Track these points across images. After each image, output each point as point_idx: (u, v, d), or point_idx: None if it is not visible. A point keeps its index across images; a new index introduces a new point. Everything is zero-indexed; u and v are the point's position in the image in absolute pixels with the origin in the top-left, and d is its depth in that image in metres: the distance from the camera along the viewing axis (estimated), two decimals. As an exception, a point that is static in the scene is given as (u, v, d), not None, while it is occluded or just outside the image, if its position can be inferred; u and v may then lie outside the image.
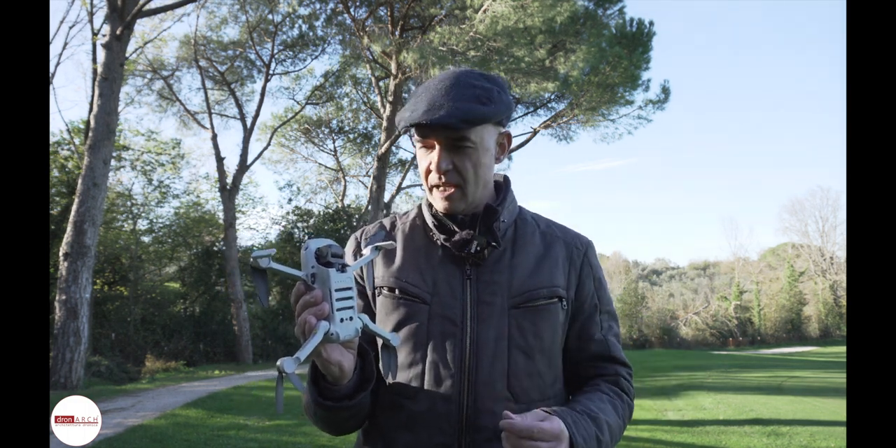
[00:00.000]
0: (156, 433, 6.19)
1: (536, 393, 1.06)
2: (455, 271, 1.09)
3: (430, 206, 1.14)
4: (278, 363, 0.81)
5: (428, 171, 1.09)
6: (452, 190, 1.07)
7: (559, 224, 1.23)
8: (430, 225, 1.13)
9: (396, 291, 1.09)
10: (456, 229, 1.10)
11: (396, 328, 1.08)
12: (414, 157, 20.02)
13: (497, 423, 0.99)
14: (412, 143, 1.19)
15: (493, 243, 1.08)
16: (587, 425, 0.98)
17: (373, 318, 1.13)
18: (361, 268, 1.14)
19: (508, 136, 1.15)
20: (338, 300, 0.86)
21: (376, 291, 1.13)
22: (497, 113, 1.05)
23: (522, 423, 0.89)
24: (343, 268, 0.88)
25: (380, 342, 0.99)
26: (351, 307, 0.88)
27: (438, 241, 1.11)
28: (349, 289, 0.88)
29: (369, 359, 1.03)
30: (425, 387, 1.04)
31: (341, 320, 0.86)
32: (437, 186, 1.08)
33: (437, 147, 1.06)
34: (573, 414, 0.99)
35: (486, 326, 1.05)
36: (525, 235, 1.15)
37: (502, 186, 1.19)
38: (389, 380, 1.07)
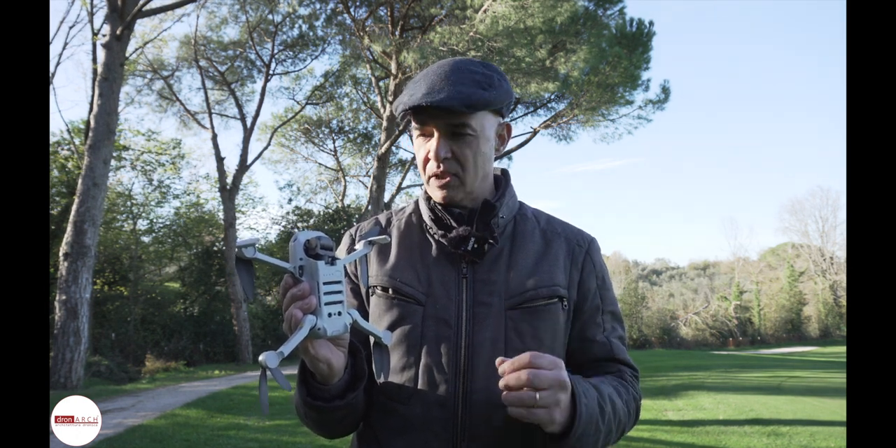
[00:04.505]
0: (156, 433, 6.19)
1: None
2: (450, 270, 1.05)
3: (428, 199, 1.09)
4: (261, 358, 0.77)
5: (426, 161, 1.05)
6: (450, 178, 1.03)
7: (561, 220, 1.16)
8: (427, 220, 1.09)
9: (390, 291, 1.05)
10: (453, 224, 1.05)
11: (390, 329, 1.03)
12: (414, 158, 20.03)
13: (493, 429, 0.97)
14: (409, 132, 1.16)
15: (491, 241, 1.03)
16: (586, 386, 0.93)
17: (366, 317, 1.08)
18: (355, 265, 1.11)
19: (508, 128, 1.11)
20: (326, 294, 0.82)
21: (370, 290, 1.08)
22: (498, 99, 1.02)
23: (518, 356, 0.86)
24: (332, 261, 0.83)
25: (372, 340, 0.95)
26: (340, 302, 0.84)
27: (435, 236, 1.07)
28: (338, 282, 0.84)
29: (361, 357, 0.99)
30: (419, 390, 1.00)
31: (329, 315, 0.83)
32: (435, 175, 1.04)
33: (436, 134, 1.01)
34: (571, 376, 0.93)
35: (481, 328, 1.01)
36: (525, 232, 1.10)
37: (501, 181, 1.14)
38: (381, 380, 1.02)
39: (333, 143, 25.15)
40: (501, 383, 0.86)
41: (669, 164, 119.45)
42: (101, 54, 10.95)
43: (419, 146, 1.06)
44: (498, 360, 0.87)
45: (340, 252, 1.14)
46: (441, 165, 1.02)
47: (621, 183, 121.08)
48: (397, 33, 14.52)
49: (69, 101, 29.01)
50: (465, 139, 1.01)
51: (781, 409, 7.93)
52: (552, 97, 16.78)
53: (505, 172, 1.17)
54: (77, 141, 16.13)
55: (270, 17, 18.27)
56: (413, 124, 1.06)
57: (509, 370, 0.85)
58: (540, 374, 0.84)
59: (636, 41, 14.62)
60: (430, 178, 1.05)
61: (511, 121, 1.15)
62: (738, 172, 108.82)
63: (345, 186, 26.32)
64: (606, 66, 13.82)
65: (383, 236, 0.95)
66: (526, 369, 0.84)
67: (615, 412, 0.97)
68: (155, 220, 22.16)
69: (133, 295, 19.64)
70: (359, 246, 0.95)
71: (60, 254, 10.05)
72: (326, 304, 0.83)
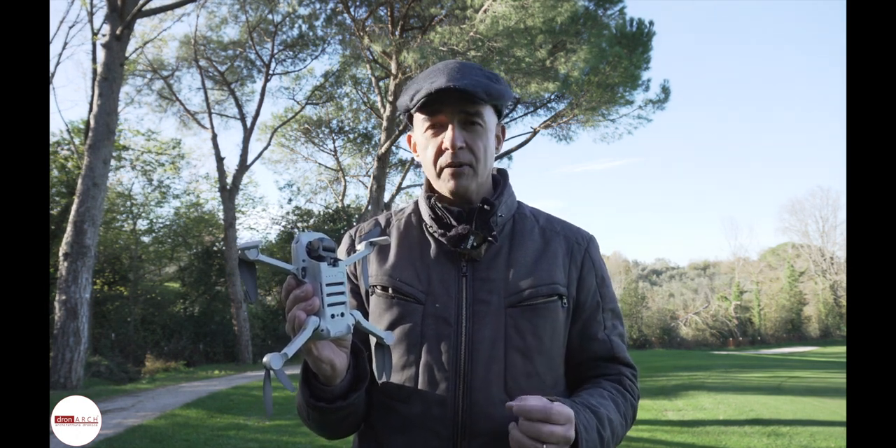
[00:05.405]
0: (156, 433, 6.19)
1: None
2: (450, 269, 1.05)
3: (428, 198, 1.09)
4: (265, 359, 0.77)
5: (438, 152, 1.05)
6: (464, 167, 1.04)
7: (560, 219, 1.18)
8: (427, 218, 1.09)
9: (390, 290, 1.05)
10: (453, 223, 1.06)
11: (390, 328, 1.03)
12: (413, 158, 19.86)
13: (493, 427, 0.97)
14: (410, 132, 1.16)
15: (490, 238, 1.04)
16: (588, 416, 0.95)
17: (366, 317, 1.08)
18: (355, 265, 1.12)
19: (503, 129, 1.15)
20: (329, 295, 0.83)
21: (370, 290, 1.09)
22: (506, 94, 1.06)
23: (538, 404, 0.86)
24: (335, 262, 0.84)
25: (373, 341, 0.95)
26: (342, 303, 0.85)
27: (435, 235, 1.08)
28: (341, 284, 0.85)
29: (363, 357, 1.00)
30: (419, 389, 1.00)
31: (332, 316, 0.83)
32: (450, 164, 1.04)
33: (451, 125, 1.03)
34: (573, 404, 0.95)
35: (481, 326, 1.01)
36: (524, 231, 1.11)
37: (499, 180, 1.15)
38: (383, 379, 1.02)
39: (333, 143, 25.16)
40: (513, 426, 0.88)
41: (669, 164, 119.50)
42: (100, 54, 10.95)
43: (428, 140, 1.07)
44: (507, 404, 0.89)
45: (340, 253, 1.15)
46: (457, 155, 1.03)
47: (621, 183, 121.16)
48: (397, 33, 14.52)
49: (69, 101, 29.12)
50: (477, 130, 1.05)
51: (781, 409, 7.92)
52: (552, 97, 16.76)
53: (503, 172, 1.18)
54: (77, 141, 16.13)
55: (270, 16, 18.27)
56: (422, 117, 1.07)
57: (520, 413, 0.87)
58: (555, 432, 0.86)
59: (636, 41, 14.62)
60: (442, 170, 1.06)
61: (511, 121, 1.16)
62: (738, 172, 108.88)
63: (345, 186, 26.32)
64: (606, 66, 13.83)
65: (384, 237, 0.96)
66: (543, 423, 0.86)
67: (613, 432, 1.00)
68: (155, 220, 22.18)
69: (133, 295, 19.64)
70: (360, 247, 0.96)
71: (60, 254, 10.05)
72: (329, 305, 0.83)
